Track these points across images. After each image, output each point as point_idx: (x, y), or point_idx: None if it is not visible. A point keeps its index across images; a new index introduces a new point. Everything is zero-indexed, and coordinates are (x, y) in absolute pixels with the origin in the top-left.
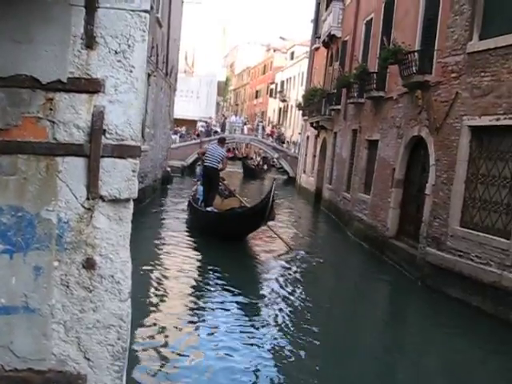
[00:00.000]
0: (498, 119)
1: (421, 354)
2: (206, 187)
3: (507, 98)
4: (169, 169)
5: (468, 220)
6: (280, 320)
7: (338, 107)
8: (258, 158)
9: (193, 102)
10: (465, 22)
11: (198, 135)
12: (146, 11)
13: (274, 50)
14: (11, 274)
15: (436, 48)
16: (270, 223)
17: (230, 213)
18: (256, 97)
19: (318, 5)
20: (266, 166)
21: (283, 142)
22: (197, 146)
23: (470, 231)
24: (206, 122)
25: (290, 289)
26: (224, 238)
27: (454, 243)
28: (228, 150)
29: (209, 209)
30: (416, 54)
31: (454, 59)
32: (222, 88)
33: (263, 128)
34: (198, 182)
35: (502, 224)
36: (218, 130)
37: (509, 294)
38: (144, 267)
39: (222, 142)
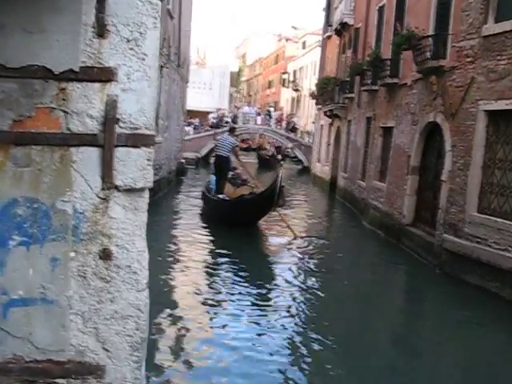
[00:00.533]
0: None
1: (440, 342)
2: (217, 175)
3: None
4: (183, 160)
5: (485, 206)
6: (294, 309)
7: (352, 95)
8: (272, 148)
9: (206, 93)
10: (480, 4)
11: (211, 126)
12: None
13: (286, 40)
14: (28, 265)
15: (450, 32)
16: (286, 211)
17: (239, 199)
18: (269, 87)
19: None
20: (280, 156)
21: (293, 131)
22: (210, 137)
23: (488, 217)
24: (217, 113)
25: (304, 277)
26: (235, 225)
27: (472, 229)
28: (242, 141)
29: (220, 196)
30: (430, 38)
31: (469, 43)
32: (235, 79)
33: (269, 114)
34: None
35: None
36: (229, 120)
37: None
38: (159, 257)
39: (232, 131)
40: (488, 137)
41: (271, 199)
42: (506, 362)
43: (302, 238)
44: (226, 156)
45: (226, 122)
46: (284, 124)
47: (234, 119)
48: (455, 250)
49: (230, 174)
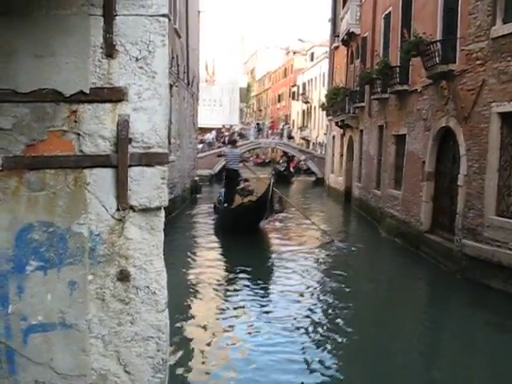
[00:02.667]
0: None
1: (466, 350)
2: (228, 187)
3: None
4: (197, 178)
5: (504, 209)
6: (316, 317)
7: (362, 104)
8: (285, 163)
9: (216, 110)
10: (487, 6)
11: (223, 143)
12: (164, 15)
13: (294, 53)
14: (46, 290)
15: (458, 36)
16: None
17: (238, 206)
18: (279, 100)
19: (335, 3)
20: (292, 170)
21: (290, 138)
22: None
23: (507, 220)
24: (216, 131)
25: (325, 284)
26: (238, 231)
27: (491, 233)
28: (256, 156)
29: (225, 205)
30: (438, 43)
31: (478, 46)
32: (244, 94)
33: (259, 127)
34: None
35: None
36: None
37: None
38: (177, 275)
39: (233, 143)
40: (502, 139)
41: (265, 205)
42: None
43: (338, 241)
44: (237, 169)
45: (239, 136)
46: (279, 131)
47: (232, 137)
48: (475, 254)
49: (240, 185)
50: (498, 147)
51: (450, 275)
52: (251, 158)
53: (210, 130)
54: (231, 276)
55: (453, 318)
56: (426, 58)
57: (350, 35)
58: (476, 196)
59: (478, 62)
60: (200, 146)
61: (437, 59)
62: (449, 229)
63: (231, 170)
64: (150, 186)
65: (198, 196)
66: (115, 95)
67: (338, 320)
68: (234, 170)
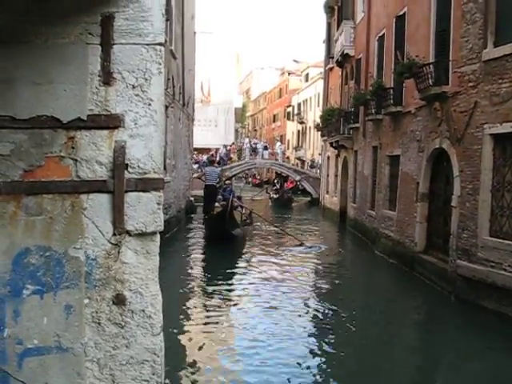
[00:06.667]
0: None
1: (461, 373)
2: (206, 200)
3: None
4: (192, 198)
5: (497, 229)
6: (308, 337)
7: (357, 125)
8: (277, 182)
9: (211, 130)
10: (478, 30)
11: (218, 163)
12: (160, 44)
13: (289, 74)
14: (42, 314)
15: (451, 58)
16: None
17: (209, 218)
18: (274, 121)
19: (329, 25)
20: (290, 193)
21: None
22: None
23: (501, 240)
24: (225, 149)
25: (318, 305)
26: (213, 239)
27: (485, 254)
28: (253, 177)
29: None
30: (431, 66)
31: (470, 68)
32: (240, 114)
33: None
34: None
35: None
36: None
37: None
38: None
39: (212, 162)
40: (495, 160)
41: (224, 217)
42: None
43: (307, 244)
44: (215, 184)
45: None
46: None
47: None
48: (470, 275)
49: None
50: (491, 168)
51: (445, 296)
52: (250, 179)
53: (206, 150)
54: (213, 291)
55: (445, 340)
56: (419, 80)
57: (345, 56)
58: (470, 217)
59: (471, 84)
60: (195, 166)
61: (430, 81)
62: (443, 249)
63: (209, 185)
64: (145, 211)
65: (193, 216)
66: (112, 122)
67: (328, 340)
68: (212, 186)
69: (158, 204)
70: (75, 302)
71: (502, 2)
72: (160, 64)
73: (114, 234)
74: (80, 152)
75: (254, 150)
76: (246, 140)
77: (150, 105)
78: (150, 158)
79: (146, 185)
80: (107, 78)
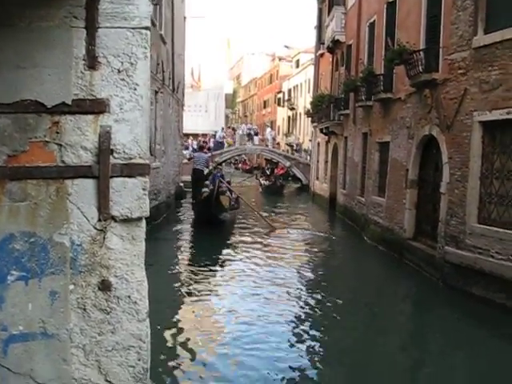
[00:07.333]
0: (508, 112)
1: (448, 358)
2: (194, 184)
3: None
4: (182, 184)
5: (486, 216)
6: (296, 323)
7: (347, 112)
8: (268, 168)
9: (202, 116)
10: (468, 17)
11: (208, 149)
12: (146, 28)
13: (280, 59)
14: (27, 300)
15: (441, 45)
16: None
17: (196, 202)
18: (264, 107)
19: (320, 11)
20: (281, 180)
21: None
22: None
23: (489, 227)
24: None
25: (306, 291)
26: (201, 223)
27: (473, 241)
28: (244, 163)
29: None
30: (421, 52)
31: (460, 55)
32: (230, 100)
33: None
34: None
35: None
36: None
37: None
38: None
39: (201, 148)
40: (484, 147)
41: (210, 201)
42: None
43: (280, 229)
44: (203, 169)
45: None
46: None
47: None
48: (458, 262)
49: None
50: (480, 155)
51: (433, 282)
52: (240, 165)
53: (197, 135)
54: (199, 276)
55: (432, 325)
56: (409, 67)
57: (335, 43)
58: (458, 204)
59: (460, 72)
60: (185, 151)
61: (420, 68)
62: (432, 236)
63: (197, 169)
64: (131, 196)
65: (183, 201)
66: (97, 107)
67: (315, 325)
68: (199, 170)
69: (144, 189)
70: (60, 288)
71: None
72: (146, 48)
73: (100, 220)
74: (65, 137)
75: (249, 135)
76: (243, 126)
77: (135, 90)
78: (136, 144)
79: (131, 170)
80: (92, 62)
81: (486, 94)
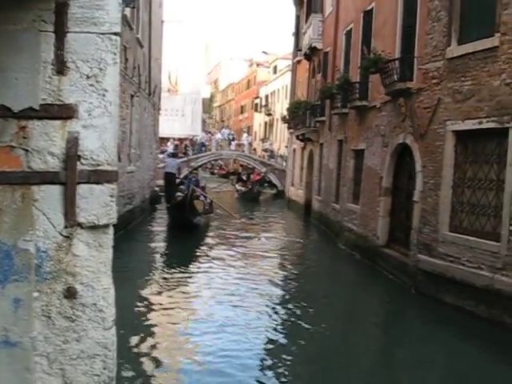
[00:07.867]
0: (480, 122)
1: (419, 364)
2: (167, 187)
3: (489, 102)
4: (157, 188)
5: (457, 224)
6: (270, 328)
7: (323, 118)
8: (244, 173)
9: (178, 120)
10: (443, 27)
11: (185, 153)
12: (116, 34)
13: (257, 65)
14: None
15: (416, 55)
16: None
17: (170, 206)
18: (241, 112)
19: (298, 18)
20: (257, 186)
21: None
22: (184, 164)
23: (460, 236)
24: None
25: (278, 296)
26: (174, 226)
27: (445, 249)
28: (220, 168)
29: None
30: (396, 61)
31: (434, 65)
32: (207, 105)
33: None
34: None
35: (491, 227)
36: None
37: (501, 296)
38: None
39: (174, 155)
40: (457, 156)
41: (183, 205)
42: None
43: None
44: (174, 173)
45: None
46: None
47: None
48: (430, 269)
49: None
50: (453, 164)
51: (405, 289)
52: (216, 170)
53: (175, 140)
54: (171, 281)
55: (403, 332)
56: (384, 76)
57: (313, 50)
58: (431, 212)
59: (434, 81)
60: (161, 156)
61: (395, 77)
62: (405, 244)
63: (169, 173)
64: (98, 203)
65: (158, 206)
66: (65, 112)
67: (285, 332)
68: (170, 173)
69: (111, 196)
70: (24, 295)
71: (466, 1)
72: (115, 54)
73: (66, 227)
74: (32, 142)
75: (229, 140)
76: (223, 130)
77: (104, 95)
78: (104, 150)
79: (98, 177)
80: (61, 67)
81: (459, 104)
